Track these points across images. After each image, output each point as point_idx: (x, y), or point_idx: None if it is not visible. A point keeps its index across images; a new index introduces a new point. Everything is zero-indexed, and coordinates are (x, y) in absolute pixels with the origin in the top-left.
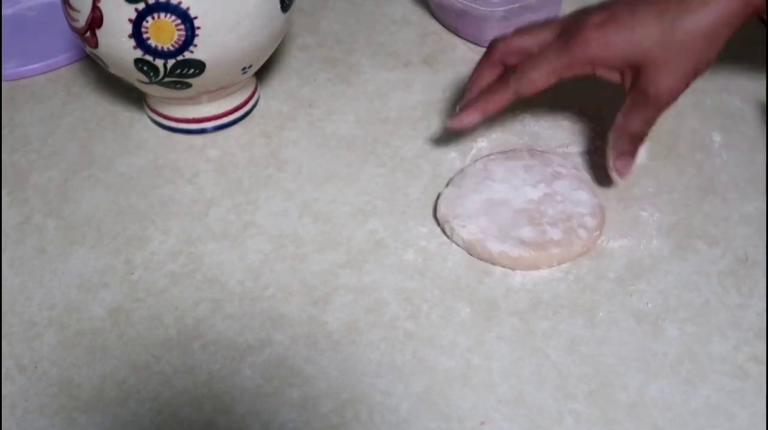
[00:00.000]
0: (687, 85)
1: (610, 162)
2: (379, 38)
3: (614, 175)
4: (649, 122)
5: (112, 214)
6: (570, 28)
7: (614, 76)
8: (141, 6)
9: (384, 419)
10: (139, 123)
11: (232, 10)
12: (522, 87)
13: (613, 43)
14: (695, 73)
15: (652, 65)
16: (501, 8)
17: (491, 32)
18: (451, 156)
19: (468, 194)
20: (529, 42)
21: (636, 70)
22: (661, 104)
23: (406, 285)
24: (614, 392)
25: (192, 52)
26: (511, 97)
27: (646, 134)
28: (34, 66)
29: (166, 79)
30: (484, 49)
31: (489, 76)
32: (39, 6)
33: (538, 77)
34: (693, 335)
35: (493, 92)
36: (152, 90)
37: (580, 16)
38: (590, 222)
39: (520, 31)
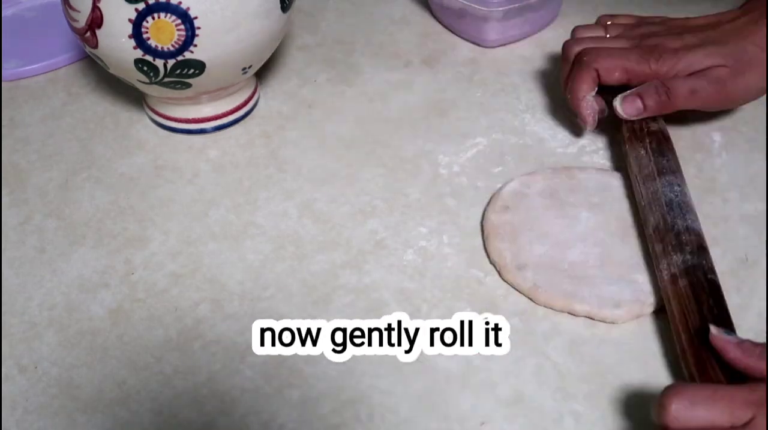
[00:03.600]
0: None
1: (618, 99)
2: (379, 38)
3: (619, 109)
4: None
5: (112, 214)
6: (649, 45)
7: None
8: (141, 6)
9: (384, 419)
10: (139, 123)
11: (232, 11)
12: (600, 70)
13: (692, 61)
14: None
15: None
16: (501, 8)
17: (491, 32)
18: (451, 156)
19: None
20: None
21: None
22: (734, 100)
23: (406, 285)
24: (614, 392)
25: (192, 52)
26: (590, 78)
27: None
28: (34, 66)
29: (166, 80)
30: (484, 49)
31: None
32: (39, 6)
33: (609, 69)
34: None
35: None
36: (152, 90)
37: (658, 40)
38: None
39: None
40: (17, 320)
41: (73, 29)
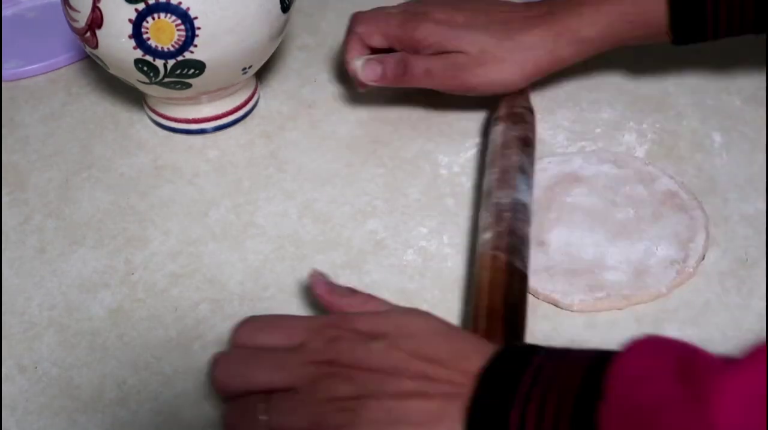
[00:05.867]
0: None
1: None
2: None
3: (359, 72)
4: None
5: (112, 214)
6: (416, 12)
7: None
8: (141, 6)
9: None
10: (139, 123)
11: (233, 11)
12: (361, 34)
13: (445, 37)
14: (534, 71)
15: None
16: None
17: None
18: (451, 156)
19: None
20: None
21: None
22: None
23: (406, 285)
24: None
25: (192, 52)
26: (356, 42)
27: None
28: (34, 66)
29: (166, 80)
30: None
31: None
32: (39, 6)
33: (368, 33)
34: (693, 335)
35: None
36: (152, 90)
37: (428, 8)
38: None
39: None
40: (17, 320)
41: (73, 29)
